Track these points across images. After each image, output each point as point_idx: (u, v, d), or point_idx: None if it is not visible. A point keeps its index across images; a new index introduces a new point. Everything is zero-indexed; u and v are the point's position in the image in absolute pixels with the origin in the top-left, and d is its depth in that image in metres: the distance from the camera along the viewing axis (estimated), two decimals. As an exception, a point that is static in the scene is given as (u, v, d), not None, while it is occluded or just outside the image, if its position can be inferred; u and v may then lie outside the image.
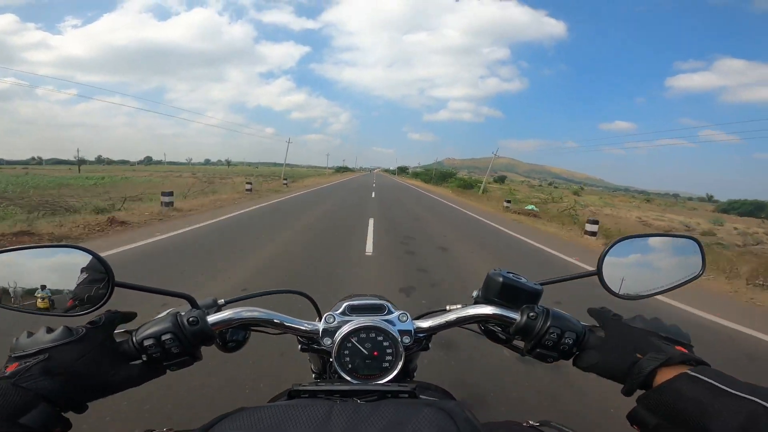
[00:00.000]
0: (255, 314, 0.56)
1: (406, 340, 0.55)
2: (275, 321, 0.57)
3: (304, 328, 0.57)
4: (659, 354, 0.42)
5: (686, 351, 0.43)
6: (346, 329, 0.55)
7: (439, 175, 46.40)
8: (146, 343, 0.48)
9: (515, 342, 0.55)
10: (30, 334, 0.45)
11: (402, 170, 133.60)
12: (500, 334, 0.56)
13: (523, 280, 0.55)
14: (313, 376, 0.72)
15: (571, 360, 0.51)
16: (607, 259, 0.55)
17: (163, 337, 0.48)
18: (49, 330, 0.45)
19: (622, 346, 0.46)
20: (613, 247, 0.55)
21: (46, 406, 0.38)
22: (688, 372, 0.39)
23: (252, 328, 0.60)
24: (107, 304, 0.49)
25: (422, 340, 0.60)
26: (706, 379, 0.37)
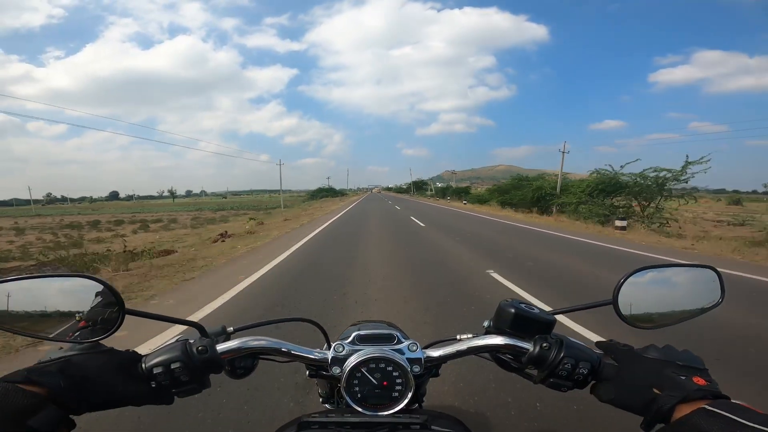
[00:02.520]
0: (263, 343, 0.56)
1: (416, 368, 0.55)
2: (283, 350, 0.57)
3: (313, 356, 0.58)
4: (676, 391, 0.42)
5: (704, 382, 0.43)
6: (355, 359, 0.54)
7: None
8: (156, 370, 0.48)
9: (527, 370, 0.55)
10: (61, 348, 0.47)
11: (419, 187, 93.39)
12: (512, 363, 0.56)
13: (536, 310, 0.55)
14: (321, 400, 0.72)
15: (588, 388, 0.51)
16: (623, 289, 0.54)
17: (173, 366, 0.49)
18: (77, 345, 0.47)
19: (637, 379, 0.46)
20: (630, 278, 0.55)
21: (53, 408, 0.39)
22: (706, 407, 0.39)
23: (261, 357, 0.60)
24: (119, 330, 0.50)
25: (432, 367, 0.60)
26: (724, 413, 0.37)
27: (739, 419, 0.36)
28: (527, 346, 0.53)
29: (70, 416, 0.42)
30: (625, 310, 0.54)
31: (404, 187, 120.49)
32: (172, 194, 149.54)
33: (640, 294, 0.55)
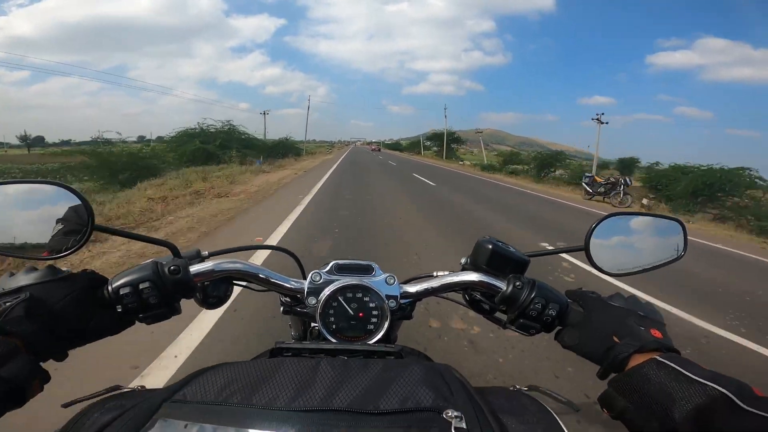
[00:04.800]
0: (239, 266, 0.54)
1: (392, 304, 0.54)
2: (260, 276, 0.55)
3: (289, 285, 0.56)
4: (634, 340, 0.44)
5: (660, 335, 0.45)
6: (332, 287, 0.54)
7: None
8: (122, 291, 0.45)
9: (498, 314, 0.56)
10: (11, 275, 0.43)
11: (444, 143, 39.66)
12: (484, 304, 0.57)
13: (512, 249, 0.55)
14: (293, 341, 0.73)
15: (552, 334, 0.52)
16: (593, 235, 0.55)
17: (141, 286, 0.45)
18: (32, 269, 0.43)
19: (600, 326, 0.47)
20: (600, 224, 0.55)
21: (25, 356, 0.36)
22: (657, 358, 0.41)
23: (235, 282, 0.58)
24: (85, 246, 0.46)
25: (406, 306, 0.59)
26: (672, 365, 0.39)
27: (686, 372, 0.38)
28: (501, 284, 0.53)
29: (43, 365, 0.39)
30: (594, 255, 0.55)
31: (403, 143, 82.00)
32: (26, 140, 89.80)
33: (609, 241, 0.57)
